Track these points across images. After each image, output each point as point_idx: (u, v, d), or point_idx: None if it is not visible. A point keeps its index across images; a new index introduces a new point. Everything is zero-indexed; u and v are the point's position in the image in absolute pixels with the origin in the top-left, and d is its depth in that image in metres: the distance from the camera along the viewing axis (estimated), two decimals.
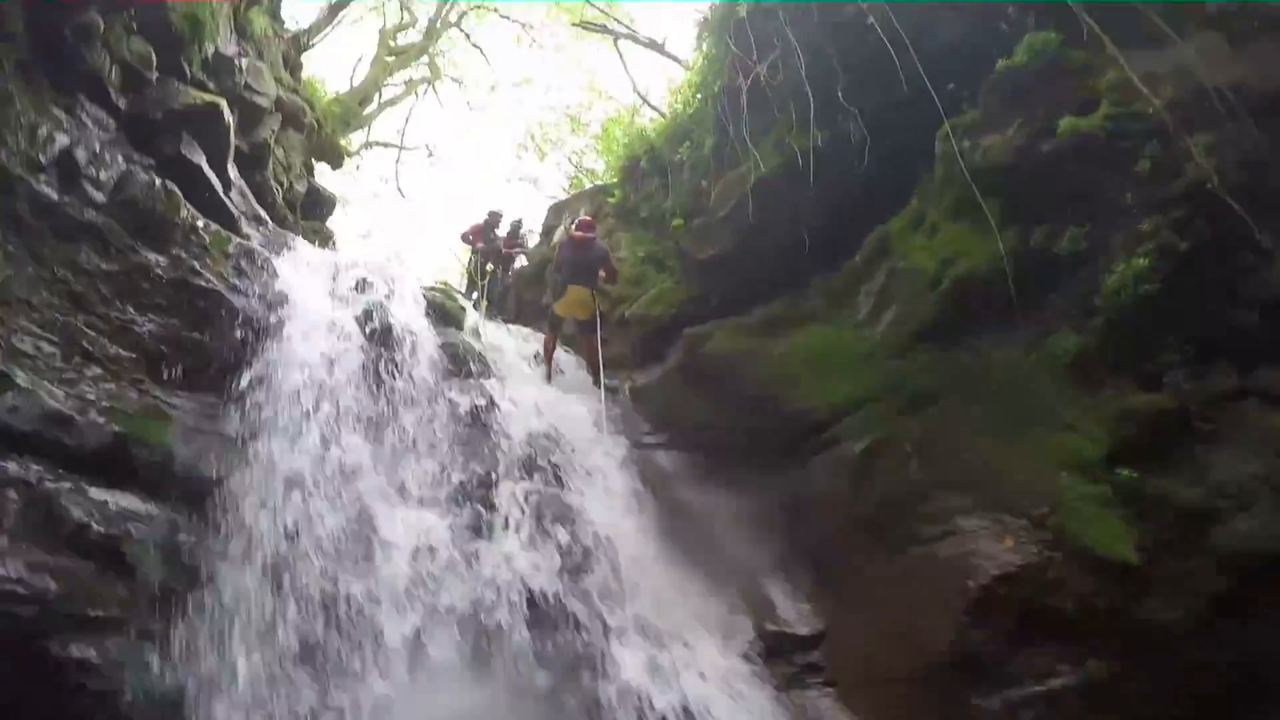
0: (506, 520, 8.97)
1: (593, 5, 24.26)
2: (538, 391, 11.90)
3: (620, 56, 24.33)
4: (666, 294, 13.68)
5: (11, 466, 6.78)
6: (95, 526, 6.92)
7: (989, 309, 8.78)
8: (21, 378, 7.24)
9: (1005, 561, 7.26)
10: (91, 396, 7.75)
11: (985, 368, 8.70)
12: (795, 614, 8.69)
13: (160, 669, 6.67)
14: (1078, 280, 8.20)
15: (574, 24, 24.99)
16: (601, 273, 13.01)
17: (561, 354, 13.66)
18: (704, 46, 14.51)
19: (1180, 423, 7.21)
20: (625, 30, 23.56)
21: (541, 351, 13.39)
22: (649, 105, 22.48)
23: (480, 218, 20.20)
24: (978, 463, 8.15)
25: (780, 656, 8.39)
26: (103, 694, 6.43)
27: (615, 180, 17.93)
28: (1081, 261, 8.20)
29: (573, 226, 13.91)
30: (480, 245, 19.58)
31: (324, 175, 21.48)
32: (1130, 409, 7.40)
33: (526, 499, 9.21)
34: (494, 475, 9.55)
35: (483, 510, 9.10)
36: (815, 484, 9.47)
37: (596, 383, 12.44)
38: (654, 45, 22.17)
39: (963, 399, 8.74)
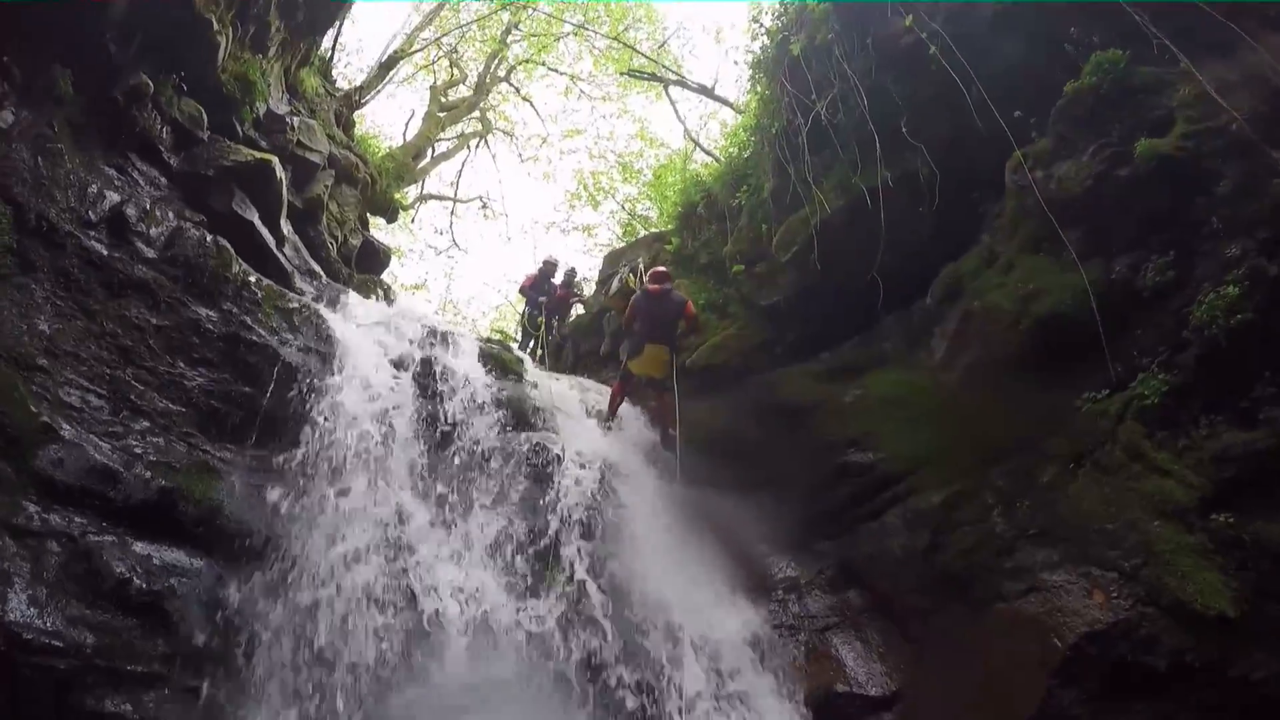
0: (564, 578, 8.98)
1: (639, 53, 24.52)
2: (598, 444, 11.85)
3: (671, 103, 24.67)
4: (730, 341, 13.72)
5: (54, 519, 7.01)
6: (137, 581, 7.10)
7: (1071, 348, 8.56)
8: (67, 430, 7.50)
9: (1094, 619, 7.02)
10: (139, 450, 7.98)
11: (1069, 411, 8.46)
12: (866, 674, 8.47)
13: None
14: (1165, 313, 7.98)
15: (622, 73, 25.38)
16: (681, 323, 12.68)
17: (624, 406, 13.43)
18: (758, 88, 14.53)
19: None
20: (674, 76, 23.73)
21: (606, 405, 13.11)
22: (702, 149, 22.70)
23: (535, 267, 20.33)
24: (1065, 513, 7.92)
25: (849, 718, 8.19)
26: None
27: (672, 227, 18.01)
28: (1167, 293, 7.98)
29: (646, 278, 13.60)
30: (535, 295, 19.63)
31: (379, 229, 21.95)
32: (1225, 449, 7.10)
33: (582, 557, 9.15)
34: (551, 532, 9.48)
35: (539, 568, 9.06)
36: (890, 537, 9.25)
37: (667, 439, 12.18)
38: (703, 90, 22.51)
39: (1047, 445, 8.52)
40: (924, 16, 10.57)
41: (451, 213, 32.07)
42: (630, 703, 7.94)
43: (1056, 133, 9.34)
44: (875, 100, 11.06)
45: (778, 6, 13.79)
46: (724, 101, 22.21)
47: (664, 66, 24.83)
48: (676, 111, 25.06)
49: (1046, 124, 9.48)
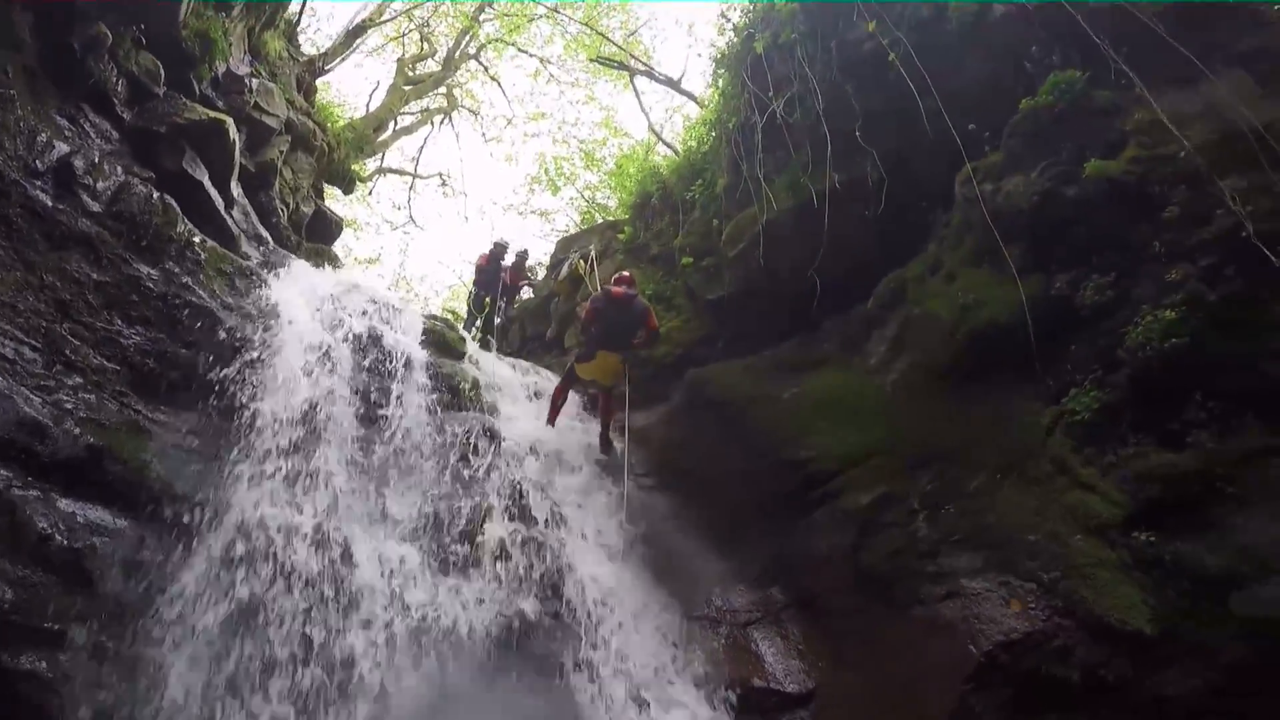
0: (487, 559, 8.82)
1: (611, 42, 24.39)
2: (534, 429, 11.78)
3: (636, 93, 24.57)
4: (673, 333, 13.61)
5: None
6: (59, 538, 6.92)
7: (1007, 360, 8.57)
8: None
9: (1010, 628, 7.01)
10: (69, 406, 7.77)
11: (1000, 421, 8.48)
12: (784, 670, 8.39)
13: (110, 686, 6.63)
14: (1101, 332, 7.98)
15: (592, 59, 25.18)
16: (641, 333, 11.69)
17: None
18: (719, 83, 14.45)
19: (1204, 484, 6.85)
20: (642, 66, 23.61)
21: (549, 388, 12.86)
22: (663, 142, 22.59)
23: (488, 248, 20.19)
24: (989, 521, 7.91)
25: (763, 714, 8.09)
26: (49, 708, 6.35)
27: (626, 216, 17.89)
28: (1105, 312, 7.99)
29: (612, 281, 12.93)
30: (485, 276, 19.46)
31: (335, 199, 21.67)
32: (1151, 469, 7.11)
33: (511, 540, 9.03)
34: (479, 511, 9.34)
35: (464, 547, 8.92)
36: (818, 536, 9.20)
37: (604, 436, 11.93)
38: (669, 82, 22.35)
39: (976, 454, 8.52)
40: (890, 24, 10.52)
41: (410, 188, 31.87)
42: (550, 684, 7.88)
43: (1009, 148, 9.35)
44: (832, 103, 10.99)
45: (747, 4, 13.73)
46: (689, 95, 22.09)
47: (633, 56, 24.57)
48: (640, 102, 25.03)
49: (1001, 139, 9.48)
